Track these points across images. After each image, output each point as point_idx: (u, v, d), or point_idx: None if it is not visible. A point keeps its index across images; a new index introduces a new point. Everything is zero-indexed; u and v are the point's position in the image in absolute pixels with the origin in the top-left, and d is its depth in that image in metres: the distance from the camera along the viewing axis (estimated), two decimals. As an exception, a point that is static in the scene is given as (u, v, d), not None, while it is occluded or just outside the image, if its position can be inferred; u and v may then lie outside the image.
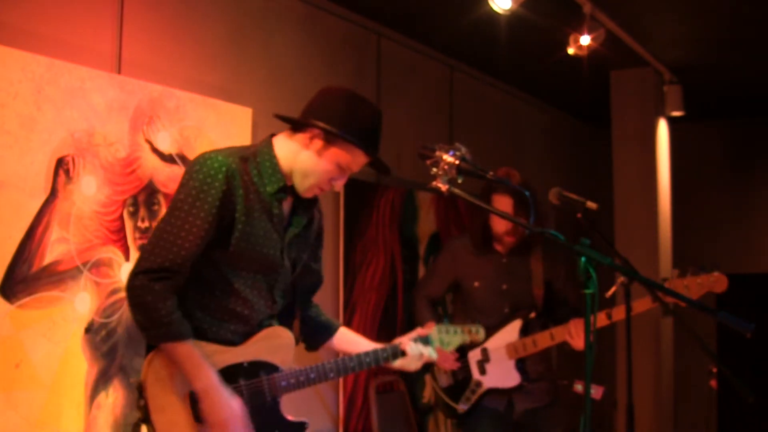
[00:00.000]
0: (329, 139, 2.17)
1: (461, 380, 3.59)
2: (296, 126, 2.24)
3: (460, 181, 2.11)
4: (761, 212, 7.18)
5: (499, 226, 3.48)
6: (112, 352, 3.05)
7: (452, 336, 2.59)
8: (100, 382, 3.00)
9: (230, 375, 2.12)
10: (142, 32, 3.33)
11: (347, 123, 2.16)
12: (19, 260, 2.75)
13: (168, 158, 3.30)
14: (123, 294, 3.08)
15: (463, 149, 2.11)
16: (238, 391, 2.13)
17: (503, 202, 3.41)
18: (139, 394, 2.07)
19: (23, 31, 2.86)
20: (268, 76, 3.98)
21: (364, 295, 4.49)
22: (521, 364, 3.51)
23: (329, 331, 2.51)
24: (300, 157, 2.19)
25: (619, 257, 3.33)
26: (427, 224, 5.09)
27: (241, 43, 3.83)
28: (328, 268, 4.32)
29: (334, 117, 2.15)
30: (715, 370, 3.93)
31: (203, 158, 2.12)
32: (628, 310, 3.18)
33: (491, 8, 3.90)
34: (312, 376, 2.24)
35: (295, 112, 4.23)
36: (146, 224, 3.20)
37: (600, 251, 1.97)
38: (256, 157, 2.19)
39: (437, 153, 2.11)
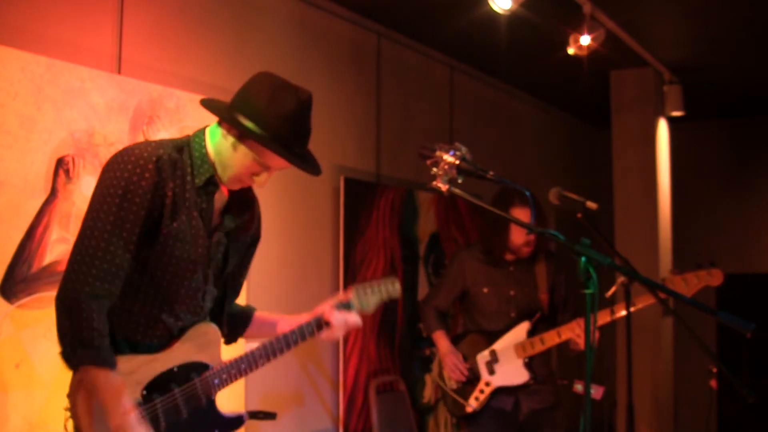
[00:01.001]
0: (241, 135, 2.00)
1: (470, 382, 3.64)
2: (220, 116, 2.05)
3: (460, 181, 2.10)
4: (761, 212, 7.18)
5: (518, 238, 3.53)
6: (112, 352, 3.05)
7: (371, 297, 2.43)
8: (100, 382, 3.00)
9: (162, 384, 2.01)
10: (142, 32, 3.33)
11: (263, 120, 1.97)
12: (19, 260, 2.75)
13: (168, 158, 3.30)
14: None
15: (463, 149, 2.11)
16: (173, 399, 2.02)
17: (522, 214, 3.45)
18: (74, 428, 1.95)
19: (23, 31, 2.86)
20: (268, 76, 3.98)
21: (364, 295, 4.49)
22: (530, 363, 3.57)
23: (245, 318, 2.36)
24: (220, 147, 2.04)
25: (619, 257, 3.33)
26: (427, 224, 5.09)
27: (241, 43, 3.83)
28: (328, 268, 4.32)
29: (251, 112, 1.98)
30: (715, 370, 3.93)
31: (130, 150, 1.95)
32: (628, 310, 3.19)
33: (491, 8, 3.90)
34: (243, 366, 2.14)
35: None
36: (146, 224, 3.20)
37: (600, 251, 1.97)
38: (191, 147, 2.05)
39: (437, 153, 2.10)
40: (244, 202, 2.16)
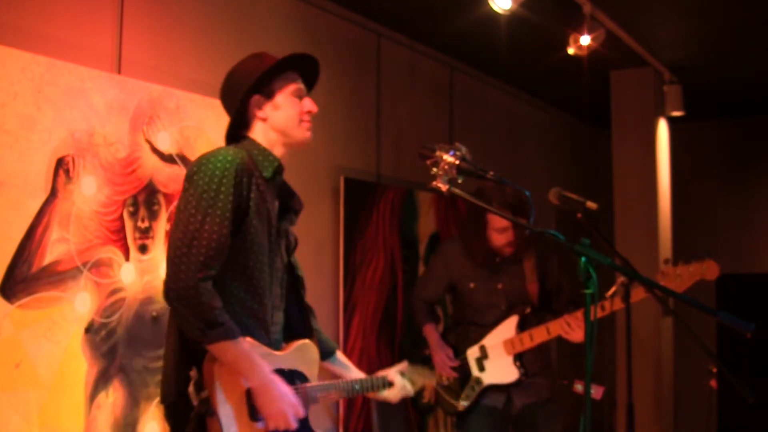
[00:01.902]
0: (267, 92, 2.30)
1: (461, 379, 3.61)
2: (241, 113, 2.31)
3: (460, 181, 2.11)
4: (761, 212, 7.18)
5: (499, 240, 3.51)
6: (112, 352, 3.05)
7: (417, 376, 2.78)
8: (100, 382, 3.00)
9: (288, 375, 2.23)
10: (142, 32, 3.33)
11: (257, 70, 2.30)
12: (19, 260, 2.74)
13: (168, 158, 3.30)
14: (123, 294, 3.09)
15: (463, 149, 2.11)
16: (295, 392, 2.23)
17: (498, 219, 3.45)
18: (196, 387, 2.08)
19: (23, 31, 2.86)
20: (268, 76, 3.98)
21: (364, 295, 4.49)
22: (520, 360, 3.55)
23: (329, 352, 2.62)
24: (271, 124, 2.30)
25: (619, 257, 3.33)
26: (427, 224, 5.09)
27: (242, 43, 3.83)
28: (328, 268, 4.32)
29: (250, 76, 2.28)
30: (715, 370, 3.93)
31: (212, 154, 2.17)
32: (628, 310, 3.19)
33: (491, 8, 3.90)
34: (335, 391, 2.44)
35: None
36: (146, 224, 3.20)
37: (600, 251, 1.97)
38: (247, 150, 2.26)
39: (437, 153, 2.11)
40: (289, 194, 2.39)
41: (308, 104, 2.34)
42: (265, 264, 2.21)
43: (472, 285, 3.62)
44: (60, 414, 2.85)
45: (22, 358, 2.74)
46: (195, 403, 2.08)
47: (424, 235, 5.06)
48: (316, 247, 4.26)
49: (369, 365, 4.47)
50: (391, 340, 4.65)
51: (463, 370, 3.61)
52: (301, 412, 2.18)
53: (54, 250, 2.85)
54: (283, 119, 2.30)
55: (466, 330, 3.67)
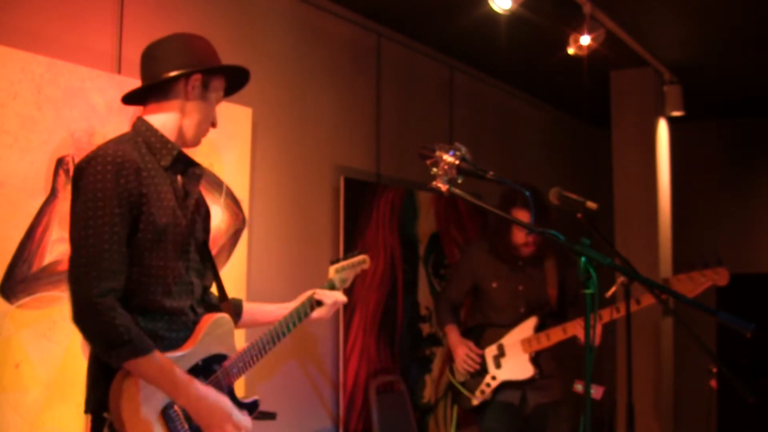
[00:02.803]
0: (206, 80, 2.18)
1: (477, 375, 3.70)
2: (162, 89, 2.16)
3: (460, 181, 2.11)
4: (761, 212, 7.18)
5: (518, 237, 3.63)
6: (112, 352, 3.05)
7: (347, 271, 2.72)
8: (100, 382, 3.00)
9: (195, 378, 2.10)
10: (142, 32, 3.32)
11: (204, 57, 2.19)
12: (19, 260, 2.74)
13: (168, 158, 3.30)
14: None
15: (463, 149, 2.11)
16: None
17: (522, 215, 3.55)
18: (110, 428, 1.95)
19: (23, 31, 2.86)
20: (268, 76, 3.98)
21: (364, 295, 4.49)
22: (536, 358, 3.64)
23: (237, 308, 2.46)
24: (185, 112, 2.17)
25: (619, 257, 3.34)
26: (427, 224, 5.09)
27: (241, 43, 3.83)
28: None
29: (195, 59, 2.16)
30: (715, 370, 3.93)
31: (92, 157, 2.01)
32: (628, 310, 3.19)
33: (491, 8, 3.90)
34: (254, 353, 2.29)
35: (294, 112, 4.23)
36: (146, 224, 3.20)
37: (600, 251, 1.97)
38: (139, 138, 2.12)
39: (437, 153, 2.11)
40: (190, 173, 2.22)
41: (216, 116, 2.27)
42: (172, 257, 2.08)
43: (494, 284, 3.72)
44: (60, 414, 2.85)
45: (22, 358, 2.73)
46: None
47: (424, 235, 5.05)
48: (316, 247, 4.26)
49: (369, 365, 4.47)
50: (391, 340, 4.65)
51: (481, 366, 3.70)
52: (236, 417, 2.11)
53: (54, 250, 2.85)
54: (197, 119, 2.19)
55: (485, 330, 3.76)
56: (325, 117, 4.37)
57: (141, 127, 2.16)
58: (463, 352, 3.71)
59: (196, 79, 2.16)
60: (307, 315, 2.50)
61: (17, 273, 2.73)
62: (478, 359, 3.68)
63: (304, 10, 4.24)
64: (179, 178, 2.18)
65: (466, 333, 3.83)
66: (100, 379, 1.99)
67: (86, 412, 2.04)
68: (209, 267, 2.29)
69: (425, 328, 4.98)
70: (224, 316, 2.24)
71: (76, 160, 2.92)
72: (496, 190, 3.69)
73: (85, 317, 1.90)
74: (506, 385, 3.67)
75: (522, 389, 3.66)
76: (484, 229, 3.93)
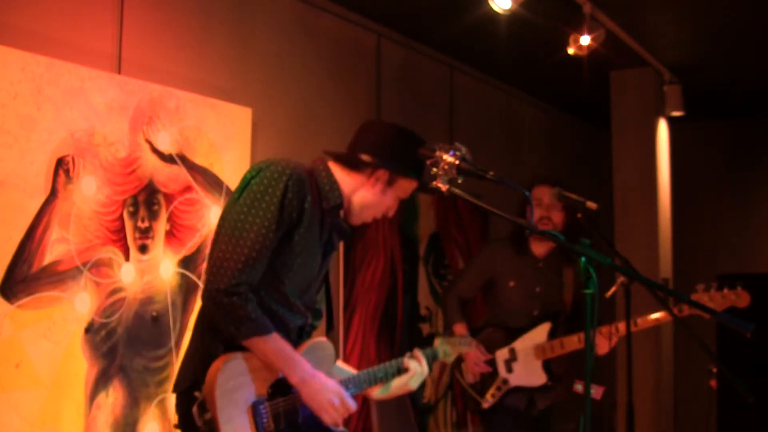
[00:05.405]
0: (393, 178, 2.29)
1: (487, 378, 3.67)
2: (354, 164, 2.29)
3: (460, 181, 2.11)
4: (761, 212, 7.18)
5: (537, 212, 3.62)
6: (112, 352, 3.05)
7: (451, 347, 2.77)
8: (100, 382, 3.00)
9: (286, 386, 2.19)
10: (142, 32, 3.33)
11: (405, 160, 2.27)
12: (19, 260, 2.75)
13: (168, 158, 3.30)
14: (123, 294, 3.09)
15: (463, 149, 2.11)
16: (292, 402, 2.21)
17: (542, 191, 3.59)
18: (200, 409, 2.06)
19: (23, 31, 2.86)
20: (268, 76, 3.98)
21: (364, 295, 4.49)
22: (547, 365, 3.62)
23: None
24: (361, 192, 2.30)
25: (619, 257, 3.34)
26: (427, 224, 5.09)
27: (242, 43, 3.83)
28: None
29: (395, 156, 2.26)
30: (715, 370, 3.93)
31: (265, 164, 2.15)
32: (628, 310, 3.19)
33: (491, 8, 3.90)
34: (350, 386, 2.35)
35: (294, 112, 4.22)
36: (146, 224, 3.20)
37: (600, 251, 1.97)
38: (314, 173, 2.26)
39: (437, 153, 2.11)
40: (341, 227, 2.35)
41: (392, 211, 2.38)
42: (303, 271, 2.22)
43: (511, 283, 3.69)
44: (60, 414, 2.85)
45: (22, 358, 2.74)
46: (199, 424, 2.06)
47: (424, 235, 5.05)
48: (316, 247, 4.26)
49: (369, 365, 4.47)
50: (391, 340, 4.65)
51: (492, 370, 3.67)
52: (346, 396, 2.21)
53: (54, 250, 2.85)
54: (366, 203, 2.32)
55: (496, 332, 3.72)
56: (325, 117, 4.37)
57: (320, 165, 2.29)
58: (474, 355, 3.65)
59: (383, 173, 2.28)
60: (393, 376, 2.52)
61: (17, 273, 2.73)
62: (489, 365, 3.65)
63: (304, 10, 4.24)
64: (328, 221, 2.29)
65: (475, 332, 3.78)
66: (196, 358, 2.12)
67: (174, 390, 2.15)
68: (324, 300, 2.43)
69: (425, 328, 4.98)
70: (327, 342, 2.35)
71: (76, 160, 2.94)
72: (496, 190, 3.69)
73: (221, 299, 2.03)
74: (515, 390, 3.64)
75: (530, 394, 3.64)
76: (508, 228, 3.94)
